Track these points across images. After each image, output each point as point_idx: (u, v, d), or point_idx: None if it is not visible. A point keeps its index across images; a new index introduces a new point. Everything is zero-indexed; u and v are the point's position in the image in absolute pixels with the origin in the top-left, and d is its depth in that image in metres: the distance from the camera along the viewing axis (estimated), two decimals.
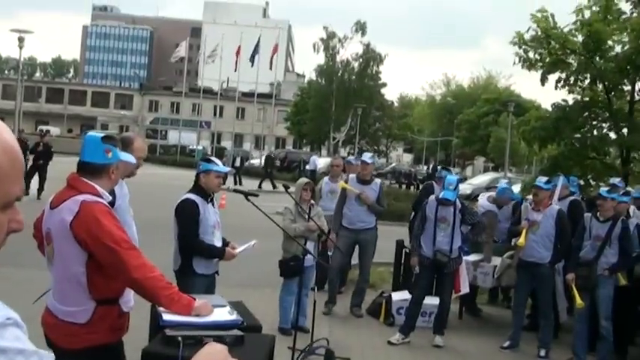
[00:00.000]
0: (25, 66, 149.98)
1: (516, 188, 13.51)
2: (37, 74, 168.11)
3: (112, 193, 4.40)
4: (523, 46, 11.83)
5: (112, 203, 4.32)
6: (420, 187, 21.62)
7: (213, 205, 6.04)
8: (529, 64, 11.93)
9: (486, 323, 10.18)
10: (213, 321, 3.48)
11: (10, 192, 1.43)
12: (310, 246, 8.11)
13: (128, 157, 4.29)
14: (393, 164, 68.22)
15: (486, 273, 9.61)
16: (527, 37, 11.82)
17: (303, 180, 8.81)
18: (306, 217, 8.23)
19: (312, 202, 8.60)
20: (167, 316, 3.46)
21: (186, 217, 5.88)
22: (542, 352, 8.45)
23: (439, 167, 12.97)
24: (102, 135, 3.86)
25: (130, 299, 3.91)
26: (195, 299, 3.62)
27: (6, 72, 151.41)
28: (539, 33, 11.65)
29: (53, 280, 3.78)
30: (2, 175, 1.41)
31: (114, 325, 3.75)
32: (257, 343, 3.51)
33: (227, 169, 6.48)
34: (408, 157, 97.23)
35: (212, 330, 3.34)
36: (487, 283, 9.81)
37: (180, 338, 2.82)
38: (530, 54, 11.91)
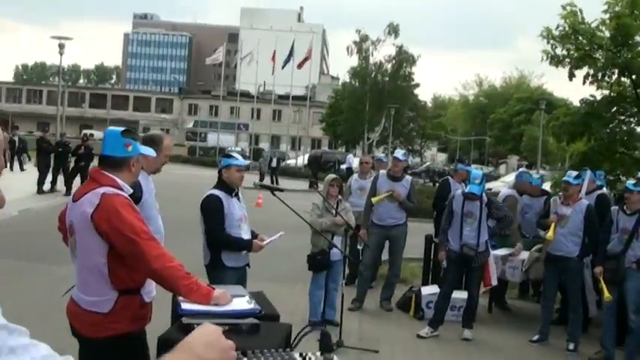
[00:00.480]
0: (69, 73, 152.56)
1: (548, 185, 13.28)
2: (81, 81, 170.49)
3: (140, 188, 4.41)
4: (551, 41, 11.63)
5: (139, 198, 4.32)
6: None
7: (238, 199, 6.02)
8: (557, 61, 11.73)
9: (515, 317, 10.04)
10: (231, 310, 3.45)
11: None
12: (337, 241, 8.06)
13: (148, 151, 4.28)
14: (428, 163, 67.77)
15: (515, 267, 9.47)
16: (555, 33, 11.61)
17: (331, 176, 8.76)
18: (334, 212, 8.18)
19: (340, 197, 8.55)
20: (186, 305, 3.44)
21: (211, 212, 5.90)
22: (571, 346, 8.30)
23: (456, 160, 12.81)
24: (122, 129, 3.86)
25: (152, 290, 3.91)
26: (214, 289, 3.60)
27: (50, 79, 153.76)
28: (567, 28, 11.46)
29: (76, 271, 3.79)
30: None
31: (136, 314, 3.75)
32: (273, 331, 3.47)
33: (246, 162, 6.49)
34: (442, 157, 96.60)
35: (228, 318, 3.31)
36: (516, 277, 9.67)
37: (196, 325, 2.78)
38: (558, 50, 11.72)
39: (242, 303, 3.57)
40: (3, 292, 9.88)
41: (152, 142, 4.69)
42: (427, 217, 18.39)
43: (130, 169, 3.82)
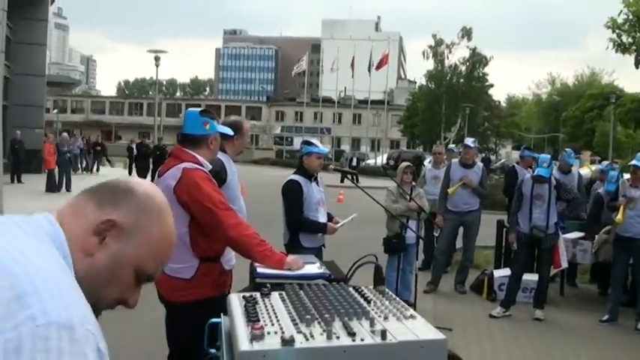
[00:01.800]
0: (167, 86, 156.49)
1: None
2: (178, 93, 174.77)
3: (224, 170, 4.47)
4: (617, 30, 11.24)
5: (224, 179, 4.38)
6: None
7: (317, 184, 6.04)
8: (623, 48, 11.33)
9: (587, 299, 9.73)
10: (302, 273, 3.46)
11: (150, 267, 1.37)
12: (412, 225, 8.00)
13: (225, 129, 4.34)
14: (503, 160, 66.52)
15: (585, 250, 9.19)
16: (620, 21, 11.23)
17: (404, 164, 8.71)
18: (407, 197, 8.13)
19: (414, 183, 8.49)
20: (261, 270, 3.47)
21: (291, 195, 5.92)
22: None
23: (522, 147, 12.56)
24: (200, 109, 3.93)
25: (232, 258, 3.96)
26: (287, 255, 3.62)
27: (150, 92, 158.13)
28: (631, 16, 11.05)
29: None
30: (155, 245, 1.36)
31: (216, 281, 3.81)
32: None
33: (326, 149, 6.48)
34: (516, 154, 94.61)
35: (298, 279, 3.32)
36: (586, 259, 9.38)
37: (268, 285, 2.82)
38: (624, 38, 11.31)
39: (313, 268, 3.58)
40: None
41: (233, 126, 4.75)
42: (501, 209, 18.18)
43: (209, 146, 3.88)
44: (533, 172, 8.66)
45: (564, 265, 8.76)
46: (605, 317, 8.31)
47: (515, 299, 8.55)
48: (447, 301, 9.14)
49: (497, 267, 10.31)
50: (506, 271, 9.30)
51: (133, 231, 1.31)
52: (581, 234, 9.36)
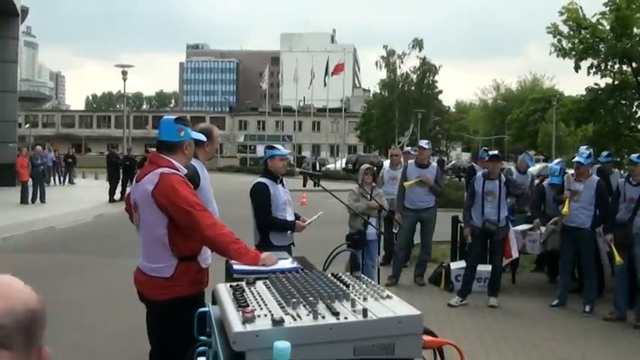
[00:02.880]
0: (133, 100, 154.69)
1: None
2: (144, 106, 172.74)
3: (197, 175, 4.46)
4: (557, 36, 11.50)
5: (197, 184, 4.37)
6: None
7: (283, 185, 6.04)
8: (563, 53, 11.58)
9: (537, 286, 9.90)
10: (276, 268, 3.47)
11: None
12: (372, 222, 8.06)
13: (198, 135, 4.33)
14: (453, 162, 67.24)
15: (534, 240, 9.36)
16: (560, 27, 11.51)
17: (365, 166, 8.78)
18: (368, 197, 8.19)
19: (374, 184, 8.56)
20: (237, 266, 3.47)
21: (259, 197, 5.91)
22: (587, 308, 8.17)
23: (482, 149, 12.83)
24: (175, 117, 3.93)
25: (208, 257, 3.95)
26: (261, 252, 3.63)
27: (117, 105, 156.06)
28: (572, 23, 11.32)
29: (141, 242, 3.85)
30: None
31: (194, 279, 3.79)
32: None
33: (287, 151, 6.49)
34: (466, 156, 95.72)
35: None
36: (535, 249, 9.56)
37: (245, 280, 2.84)
38: (564, 43, 11.57)
39: (286, 263, 3.59)
40: (80, 280, 10.14)
41: (204, 133, 4.75)
42: (456, 206, 18.47)
43: (184, 152, 3.88)
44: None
45: (515, 255, 8.93)
46: (555, 302, 8.48)
47: (471, 289, 8.68)
48: (407, 293, 9.18)
49: (453, 260, 10.43)
50: (461, 264, 9.41)
51: None
52: (529, 225, 9.53)
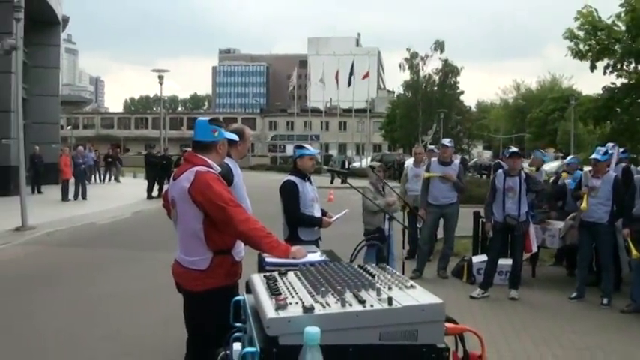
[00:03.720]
0: (169, 102, 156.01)
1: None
2: (179, 108, 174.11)
3: (231, 173, 4.52)
4: (574, 40, 11.39)
5: (231, 181, 4.43)
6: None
7: (310, 183, 6.08)
8: (580, 55, 11.47)
9: (556, 280, 9.83)
10: (306, 261, 3.52)
11: None
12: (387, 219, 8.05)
13: (231, 136, 4.39)
14: (475, 159, 66.73)
15: (553, 235, 9.29)
16: (576, 32, 11.38)
17: (376, 164, 8.84)
18: (382, 194, 8.29)
19: (384, 181, 8.62)
20: (269, 259, 3.53)
21: (288, 194, 5.94)
22: (605, 301, 8.09)
23: (507, 147, 12.76)
24: (209, 118, 3.99)
25: (241, 250, 4.00)
26: (291, 245, 3.68)
27: (154, 108, 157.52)
28: (587, 26, 11.20)
29: (179, 236, 3.92)
30: None
31: (229, 271, 3.85)
32: None
33: (316, 151, 6.53)
34: (487, 154, 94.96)
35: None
36: (554, 243, 9.49)
37: (277, 271, 2.90)
38: (581, 46, 11.45)
39: (315, 256, 3.64)
40: (119, 272, 10.30)
41: (236, 133, 4.81)
42: (477, 202, 18.39)
43: (218, 151, 3.94)
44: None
45: (534, 249, 8.88)
46: (574, 295, 8.42)
47: (492, 281, 8.65)
48: (431, 285, 9.13)
49: (475, 253, 10.40)
50: (483, 257, 9.39)
51: None
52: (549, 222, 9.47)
